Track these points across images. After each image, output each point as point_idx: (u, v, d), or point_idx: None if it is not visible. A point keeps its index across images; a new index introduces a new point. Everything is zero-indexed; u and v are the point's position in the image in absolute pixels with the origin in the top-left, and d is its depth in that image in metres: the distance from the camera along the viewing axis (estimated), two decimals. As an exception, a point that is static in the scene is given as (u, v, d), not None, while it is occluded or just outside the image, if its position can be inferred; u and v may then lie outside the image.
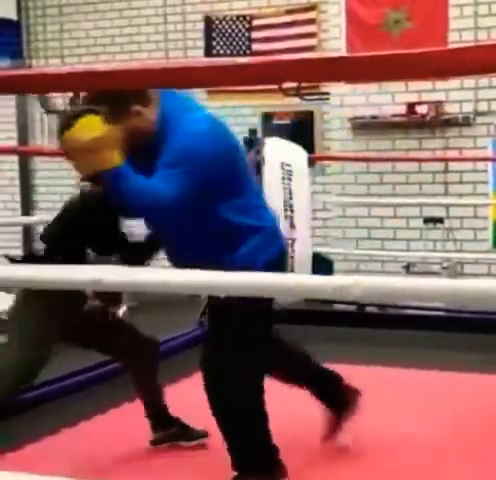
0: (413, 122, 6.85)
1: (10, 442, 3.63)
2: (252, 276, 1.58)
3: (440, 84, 6.71)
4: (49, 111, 8.51)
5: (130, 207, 2.77)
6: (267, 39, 7.70)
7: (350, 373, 3.65)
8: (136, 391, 3.49)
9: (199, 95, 7.66)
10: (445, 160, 6.85)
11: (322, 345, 5.19)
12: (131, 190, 2.65)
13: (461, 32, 6.65)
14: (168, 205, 2.71)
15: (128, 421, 4.01)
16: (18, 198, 9.27)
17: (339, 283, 1.55)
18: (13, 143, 8.92)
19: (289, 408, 3.72)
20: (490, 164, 6.65)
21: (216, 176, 2.82)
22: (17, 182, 9.29)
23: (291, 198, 5.40)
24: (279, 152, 5.46)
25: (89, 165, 2.61)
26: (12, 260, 3.21)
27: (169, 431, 3.51)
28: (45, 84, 1.88)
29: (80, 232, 3.16)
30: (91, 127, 2.57)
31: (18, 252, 9.09)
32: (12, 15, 8.96)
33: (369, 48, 6.49)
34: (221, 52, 7.86)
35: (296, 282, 1.57)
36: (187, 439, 3.50)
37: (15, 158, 9.11)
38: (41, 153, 7.85)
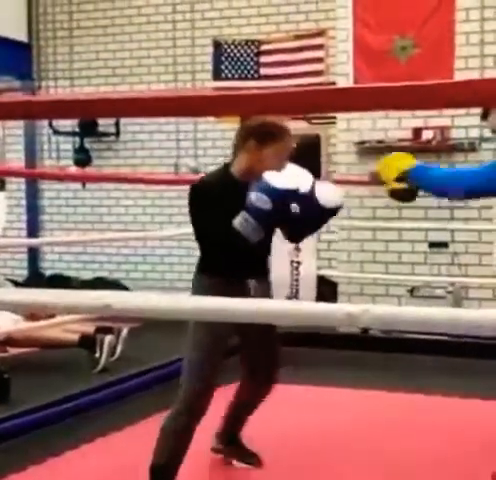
0: (419, 147, 6.88)
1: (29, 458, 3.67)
2: (260, 302, 1.61)
3: (446, 110, 6.75)
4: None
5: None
6: (275, 63, 7.76)
7: (354, 397, 3.67)
8: (230, 407, 3.65)
9: (207, 118, 7.73)
10: (450, 185, 6.86)
11: (325, 368, 5.20)
12: None
13: (467, 59, 6.70)
14: None
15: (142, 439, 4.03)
16: (24, 218, 9.31)
17: (349, 311, 1.55)
18: (20, 164, 8.97)
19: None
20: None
21: None
22: (24, 202, 9.31)
23: (297, 221, 5.42)
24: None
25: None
26: None
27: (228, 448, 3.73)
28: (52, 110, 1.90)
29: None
30: None
31: (24, 272, 9.13)
32: (23, 37, 9.07)
33: (376, 74, 6.55)
34: (229, 76, 7.92)
35: (304, 309, 1.59)
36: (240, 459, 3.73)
37: (22, 178, 9.15)
38: (49, 176, 7.80)
